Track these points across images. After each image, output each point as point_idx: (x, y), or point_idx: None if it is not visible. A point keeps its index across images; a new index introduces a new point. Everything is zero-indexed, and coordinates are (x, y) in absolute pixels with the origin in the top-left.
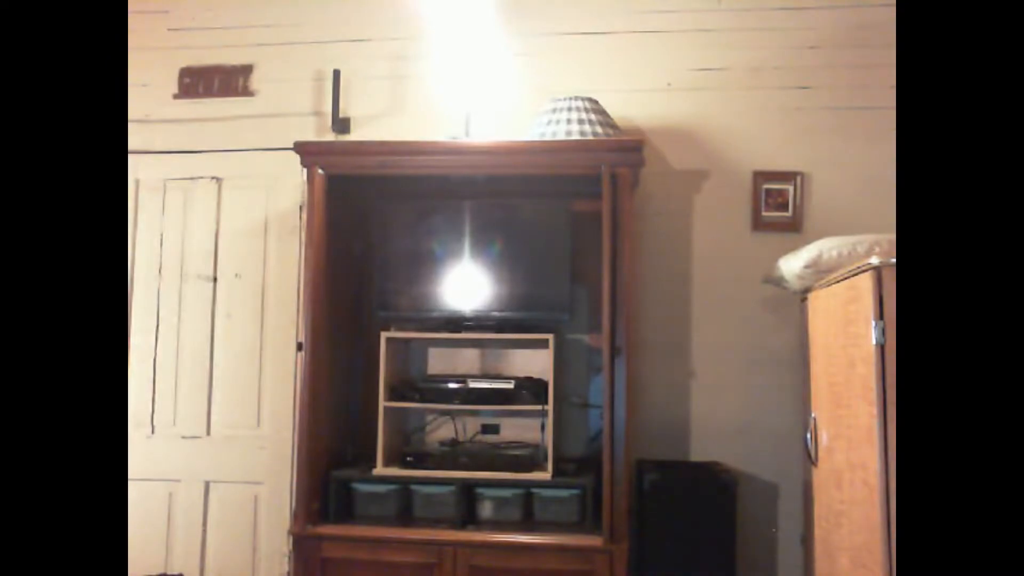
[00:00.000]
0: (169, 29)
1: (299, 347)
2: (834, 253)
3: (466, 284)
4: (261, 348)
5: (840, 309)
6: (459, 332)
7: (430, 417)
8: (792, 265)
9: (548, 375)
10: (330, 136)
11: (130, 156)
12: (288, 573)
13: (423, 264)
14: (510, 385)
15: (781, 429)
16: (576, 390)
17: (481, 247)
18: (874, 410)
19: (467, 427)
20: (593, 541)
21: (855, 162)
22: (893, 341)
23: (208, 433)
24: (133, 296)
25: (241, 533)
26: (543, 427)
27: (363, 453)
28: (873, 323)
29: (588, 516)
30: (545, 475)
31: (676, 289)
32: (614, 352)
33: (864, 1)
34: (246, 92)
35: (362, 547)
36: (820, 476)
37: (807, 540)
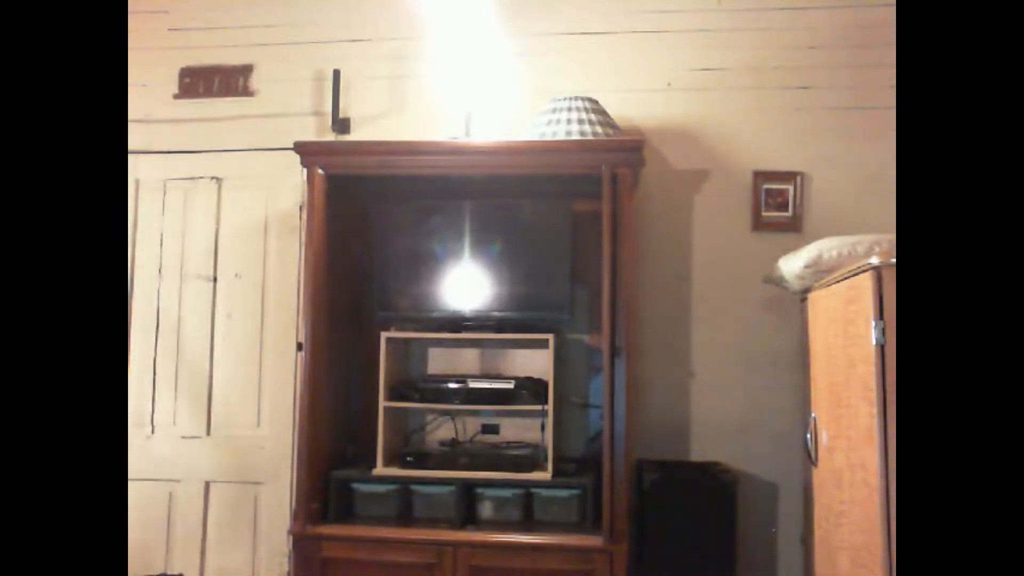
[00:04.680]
0: (169, 29)
1: (299, 347)
2: (834, 253)
3: (466, 284)
4: (261, 348)
5: (840, 309)
6: (459, 332)
7: (430, 417)
8: (792, 265)
9: (548, 375)
10: (330, 136)
11: (130, 156)
12: (288, 573)
13: (423, 264)
14: (510, 385)
15: (781, 429)
16: (576, 390)
17: (481, 247)
18: (874, 410)
19: (467, 427)
20: (593, 541)
21: (855, 162)
22: (893, 341)
23: (208, 433)
24: (133, 296)
25: (241, 533)
26: (543, 427)
27: (363, 453)
28: (873, 323)
29: (588, 516)
30: (545, 475)
31: (676, 289)
32: (614, 352)
33: (864, 1)
34: (246, 92)
35: (362, 547)
36: (820, 476)
37: (807, 540)
